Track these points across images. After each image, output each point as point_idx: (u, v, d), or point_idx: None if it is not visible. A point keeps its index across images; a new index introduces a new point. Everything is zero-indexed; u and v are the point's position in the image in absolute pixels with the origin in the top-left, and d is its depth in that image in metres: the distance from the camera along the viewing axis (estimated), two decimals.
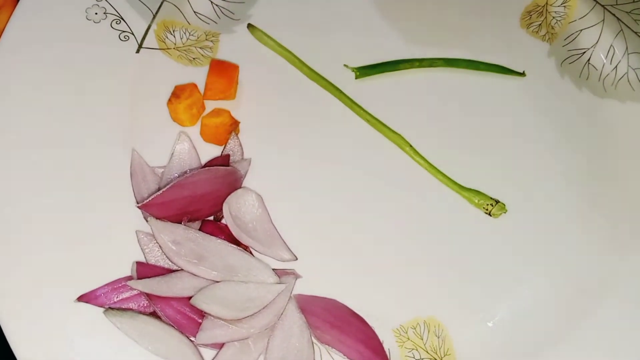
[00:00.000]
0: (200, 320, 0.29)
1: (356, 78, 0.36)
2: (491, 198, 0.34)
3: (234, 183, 0.32)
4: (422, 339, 0.31)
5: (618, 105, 0.37)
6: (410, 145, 0.35)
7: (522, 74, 0.37)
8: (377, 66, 0.36)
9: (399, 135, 0.35)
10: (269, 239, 0.32)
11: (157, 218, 0.31)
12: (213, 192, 0.31)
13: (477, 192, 0.34)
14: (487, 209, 0.34)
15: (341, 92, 0.36)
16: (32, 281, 0.29)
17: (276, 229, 0.32)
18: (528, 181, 0.35)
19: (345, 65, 0.36)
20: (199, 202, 0.31)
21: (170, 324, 0.29)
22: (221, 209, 0.31)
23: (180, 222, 0.31)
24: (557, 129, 0.36)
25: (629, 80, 0.37)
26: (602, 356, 0.31)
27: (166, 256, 0.30)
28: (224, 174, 0.32)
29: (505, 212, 0.34)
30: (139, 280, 0.29)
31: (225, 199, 0.31)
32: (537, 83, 0.37)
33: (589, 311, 0.32)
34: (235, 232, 0.31)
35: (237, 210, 0.32)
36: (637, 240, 0.34)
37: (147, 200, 0.30)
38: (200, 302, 0.28)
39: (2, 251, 0.30)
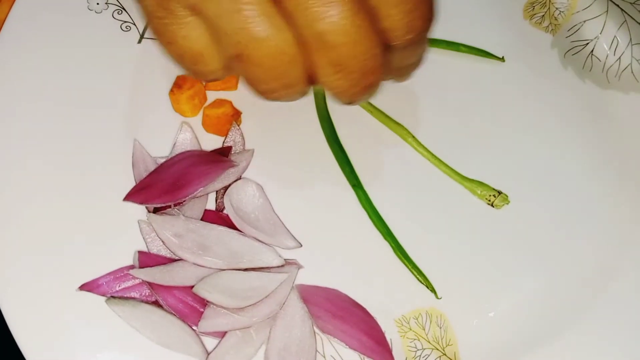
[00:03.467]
0: (202, 310, 0.29)
1: None
2: (494, 189, 0.34)
3: (217, 160, 0.32)
4: (424, 329, 0.31)
5: (621, 96, 0.37)
6: (413, 136, 0.35)
7: (502, 59, 0.37)
8: None
9: (402, 126, 0.35)
10: (272, 227, 0.32)
11: (140, 204, 0.31)
12: (192, 172, 0.31)
13: (480, 183, 0.34)
14: (489, 200, 0.34)
15: None
16: (35, 270, 0.30)
17: (279, 218, 0.32)
18: (530, 172, 0.35)
19: None
20: (181, 180, 0.31)
21: (172, 313, 0.29)
22: (204, 186, 0.31)
23: (167, 206, 0.31)
24: (560, 120, 0.36)
25: (632, 72, 0.37)
26: (604, 346, 0.31)
27: (170, 250, 0.30)
28: (201, 153, 0.32)
29: (508, 204, 0.34)
30: (141, 269, 0.29)
31: (210, 174, 0.31)
32: (541, 74, 0.37)
33: (592, 302, 0.32)
34: (237, 223, 0.31)
35: (238, 201, 0.32)
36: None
37: (128, 191, 0.31)
38: (202, 291, 0.28)
39: (4, 240, 0.30)
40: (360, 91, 0.24)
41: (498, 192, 0.34)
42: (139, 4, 0.24)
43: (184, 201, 0.31)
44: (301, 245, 0.32)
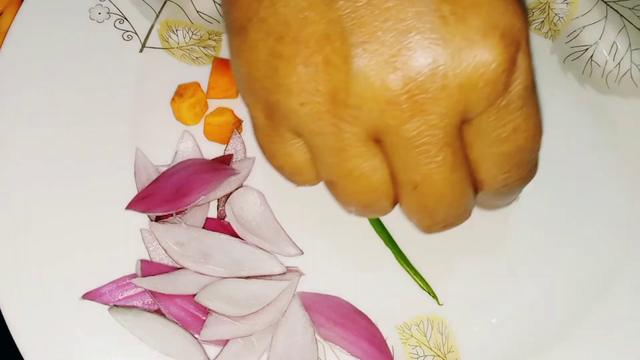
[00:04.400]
0: (204, 318, 0.29)
1: None
2: None
3: (219, 168, 0.32)
4: (425, 336, 0.31)
5: (621, 101, 0.37)
6: None
7: None
8: None
9: None
10: (274, 235, 0.32)
11: (142, 212, 0.31)
12: (194, 180, 0.31)
13: None
14: None
15: None
16: (38, 279, 0.30)
17: (280, 225, 0.32)
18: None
19: None
20: (182, 189, 0.31)
21: (174, 322, 0.29)
22: (206, 194, 0.31)
23: (169, 214, 0.31)
24: (560, 126, 0.36)
25: (632, 77, 0.37)
26: (607, 352, 0.31)
27: (172, 258, 0.30)
28: (203, 161, 0.33)
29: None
30: (144, 278, 0.29)
31: (211, 182, 0.31)
32: (540, 80, 0.37)
33: (594, 307, 0.32)
34: (239, 231, 0.31)
35: (239, 209, 0.32)
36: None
37: (131, 200, 0.31)
38: (204, 299, 0.29)
39: (7, 249, 0.30)
40: (440, 229, 0.26)
41: None
42: (250, 114, 0.26)
43: (186, 209, 0.31)
44: (302, 253, 0.32)
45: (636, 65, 0.37)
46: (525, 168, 0.25)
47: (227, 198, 0.32)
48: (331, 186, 0.25)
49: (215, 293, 0.29)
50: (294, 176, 0.27)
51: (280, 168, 0.27)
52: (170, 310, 0.29)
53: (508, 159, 0.24)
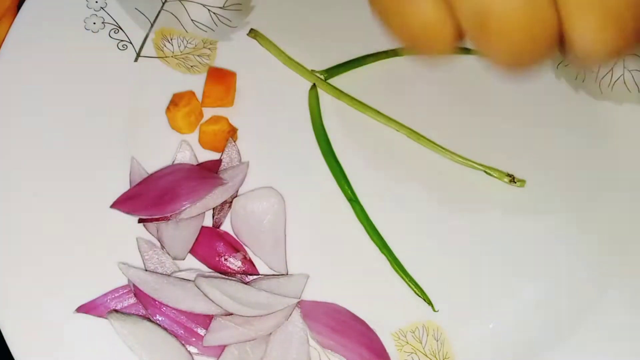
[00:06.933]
0: (196, 329, 0.29)
1: (325, 80, 0.36)
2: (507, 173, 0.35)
3: (206, 176, 0.32)
4: (421, 343, 0.31)
5: (614, 107, 0.37)
6: (432, 141, 0.35)
7: None
8: (343, 65, 0.37)
9: (417, 132, 0.35)
10: (273, 246, 0.32)
11: (127, 213, 0.31)
12: (180, 186, 0.31)
13: (493, 168, 0.35)
14: (510, 178, 0.34)
15: (341, 91, 0.36)
16: (35, 291, 0.30)
17: (285, 237, 0.32)
18: (526, 183, 0.35)
19: (312, 70, 0.36)
20: (169, 194, 0.31)
21: (170, 333, 0.29)
22: (191, 202, 0.31)
23: (152, 218, 0.31)
24: (553, 131, 0.36)
25: (625, 82, 0.37)
26: (604, 356, 0.31)
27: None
28: (191, 168, 0.33)
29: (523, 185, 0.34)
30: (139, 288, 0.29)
31: (197, 191, 0.31)
32: (533, 86, 0.37)
33: (590, 311, 0.32)
34: (237, 226, 0.32)
35: (250, 207, 0.32)
36: (635, 241, 0.34)
37: (116, 199, 0.31)
38: (203, 284, 0.29)
39: (2, 261, 0.30)
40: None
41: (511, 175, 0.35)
42: None
43: (171, 216, 0.31)
44: (286, 273, 0.32)
45: (629, 71, 0.37)
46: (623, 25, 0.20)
47: (223, 206, 0.32)
48: (481, 31, 0.21)
49: (218, 285, 0.29)
50: (426, 35, 0.22)
51: (409, 28, 0.22)
52: (163, 322, 0.29)
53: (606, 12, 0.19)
